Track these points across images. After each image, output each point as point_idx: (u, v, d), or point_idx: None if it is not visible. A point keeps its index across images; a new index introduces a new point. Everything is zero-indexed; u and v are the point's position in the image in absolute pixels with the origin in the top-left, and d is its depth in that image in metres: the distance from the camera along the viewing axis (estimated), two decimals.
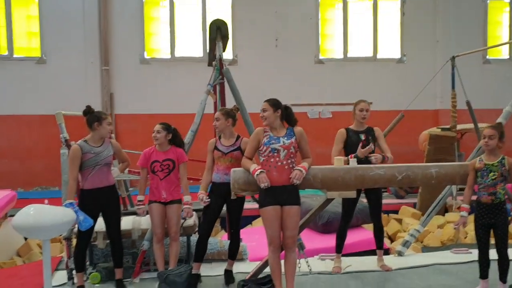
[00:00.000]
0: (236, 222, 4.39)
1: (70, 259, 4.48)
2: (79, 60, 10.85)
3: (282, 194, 3.71)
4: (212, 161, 4.32)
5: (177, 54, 11.27)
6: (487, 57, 11.89)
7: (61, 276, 4.64)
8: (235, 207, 4.31)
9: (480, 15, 11.93)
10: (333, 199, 4.08)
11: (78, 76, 10.84)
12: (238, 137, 4.35)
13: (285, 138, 3.79)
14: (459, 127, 8.77)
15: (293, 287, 3.81)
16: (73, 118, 5.49)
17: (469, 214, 8.42)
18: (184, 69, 11.15)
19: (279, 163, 3.72)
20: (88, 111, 4.32)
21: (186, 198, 4.40)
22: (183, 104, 10.84)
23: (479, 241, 3.95)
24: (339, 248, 4.74)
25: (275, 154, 3.73)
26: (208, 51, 6.53)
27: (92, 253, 4.80)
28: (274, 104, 3.85)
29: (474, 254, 5.10)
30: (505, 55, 12.14)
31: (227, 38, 5.34)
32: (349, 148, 4.54)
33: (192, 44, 11.33)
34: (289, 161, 3.76)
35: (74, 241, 4.42)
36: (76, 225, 3.96)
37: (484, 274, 3.98)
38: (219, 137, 4.37)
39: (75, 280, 4.36)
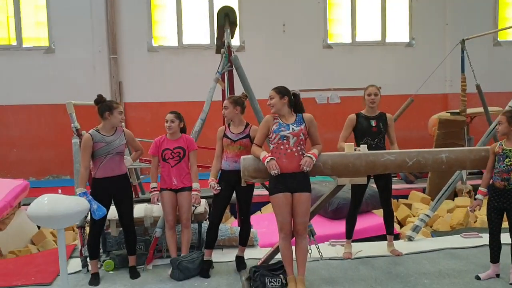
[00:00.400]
0: (246, 209, 4.42)
1: (84, 247, 4.55)
2: (87, 49, 10.87)
3: (292, 181, 3.73)
4: (222, 148, 4.34)
5: (185, 41, 11.24)
6: (498, 39, 11.72)
7: (76, 264, 4.71)
8: (245, 194, 4.34)
9: None
10: (344, 185, 4.09)
11: (87, 65, 10.88)
12: (247, 124, 4.36)
13: (295, 125, 3.80)
14: (468, 111, 8.71)
15: (304, 273, 3.85)
16: (83, 107, 5.54)
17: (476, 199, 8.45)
18: (192, 56, 11.14)
19: (289, 150, 3.74)
20: (100, 100, 4.35)
21: (195, 185, 4.43)
22: (191, 92, 10.87)
23: (490, 224, 3.95)
24: (349, 233, 4.77)
25: (285, 141, 3.74)
26: (216, 38, 6.53)
27: (105, 241, 4.88)
28: (281, 91, 3.85)
29: (485, 238, 5.10)
30: None
31: (236, 25, 5.33)
32: (358, 133, 4.54)
33: (200, 31, 11.29)
34: (299, 148, 3.76)
35: (88, 229, 4.48)
36: (89, 214, 4.02)
37: (495, 258, 3.99)
38: (228, 125, 4.38)
39: (90, 268, 4.43)
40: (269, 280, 3.89)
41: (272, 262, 4.22)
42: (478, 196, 4.00)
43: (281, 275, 3.93)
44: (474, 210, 4.04)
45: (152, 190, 4.42)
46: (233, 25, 5.28)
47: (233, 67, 5.21)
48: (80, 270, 4.57)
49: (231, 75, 5.28)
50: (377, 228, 6.29)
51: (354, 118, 4.60)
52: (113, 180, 4.23)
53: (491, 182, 3.95)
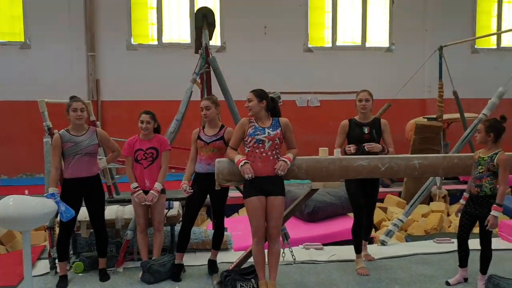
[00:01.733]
0: (219, 213, 4.38)
1: (53, 248, 4.45)
2: (64, 46, 10.68)
3: (267, 185, 3.70)
4: (196, 151, 4.29)
5: (165, 40, 11.14)
6: (476, 46, 11.91)
7: (44, 265, 4.61)
8: (219, 198, 4.29)
9: (469, 5, 11.92)
10: (317, 189, 4.08)
11: (63, 62, 10.68)
12: (222, 126, 4.32)
13: (270, 129, 3.77)
14: (445, 116, 8.82)
15: (276, 277, 3.82)
16: (60, 105, 5.42)
17: (451, 204, 8.50)
18: (172, 55, 11.03)
19: (264, 154, 3.71)
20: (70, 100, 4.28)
21: (157, 185, 4.32)
22: (171, 91, 10.74)
23: (461, 228, 3.99)
24: (357, 248, 4.52)
25: (260, 145, 3.72)
26: (195, 38, 6.47)
27: (75, 242, 4.77)
28: (259, 94, 3.81)
29: (456, 244, 5.19)
30: (493, 45, 12.16)
31: (214, 27, 5.27)
32: (351, 140, 4.38)
33: (180, 31, 11.21)
34: (274, 152, 3.74)
35: (58, 230, 4.38)
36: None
37: (463, 263, 4.04)
38: (203, 127, 4.33)
39: (58, 270, 4.33)
40: (240, 284, 3.86)
41: (244, 266, 4.18)
42: (462, 201, 4.06)
43: (252, 280, 3.90)
44: (459, 214, 4.08)
45: (135, 190, 4.31)
46: (211, 26, 5.22)
47: (211, 68, 5.15)
48: (48, 272, 4.47)
49: (208, 76, 5.23)
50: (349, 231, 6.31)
51: (346, 124, 4.46)
52: (82, 181, 4.14)
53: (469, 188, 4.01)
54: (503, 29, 11.91)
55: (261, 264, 3.81)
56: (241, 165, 3.67)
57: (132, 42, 11.02)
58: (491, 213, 3.74)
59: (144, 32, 11.20)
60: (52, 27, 10.56)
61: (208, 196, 4.31)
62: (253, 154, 3.74)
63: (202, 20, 5.13)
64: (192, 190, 4.13)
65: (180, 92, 11.09)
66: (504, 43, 12.15)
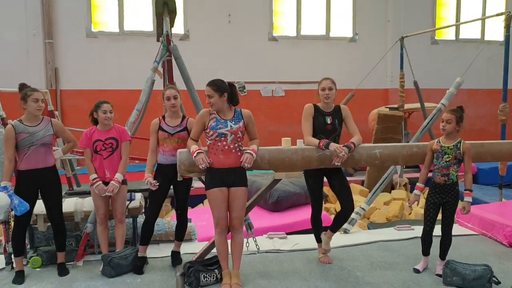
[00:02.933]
0: (183, 204, 4.32)
1: (9, 243, 4.29)
2: (20, 32, 10.23)
3: (229, 176, 3.69)
4: (156, 142, 4.19)
5: (126, 28, 10.85)
6: (435, 37, 12.17)
7: None
8: (182, 189, 4.24)
9: None
10: (280, 179, 4.07)
11: (19, 49, 10.23)
12: (184, 117, 4.25)
13: (233, 122, 3.73)
14: (406, 106, 9.00)
15: (239, 267, 3.81)
16: (12, 95, 5.19)
17: (411, 192, 8.73)
18: (134, 43, 10.78)
19: (226, 147, 3.69)
20: (21, 88, 4.10)
21: (118, 175, 4.21)
22: (133, 80, 10.50)
23: (427, 218, 4.02)
24: (318, 237, 4.47)
25: (222, 138, 3.68)
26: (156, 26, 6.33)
27: (33, 237, 4.63)
28: (219, 88, 3.69)
29: (416, 230, 5.34)
30: (452, 36, 12.47)
31: (175, 14, 5.16)
32: (315, 129, 4.11)
33: (142, 18, 10.94)
34: (236, 144, 3.72)
35: (13, 224, 4.22)
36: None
37: (426, 251, 4.10)
38: (163, 117, 4.24)
39: (14, 265, 4.18)
40: (204, 275, 3.83)
41: (208, 257, 4.14)
42: (416, 191, 4.04)
43: (215, 270, 3.88)
44: (411, 206, 4.10)
45: (94, 181, 4.18)
46: (172, 13, 5.11)
47: (172, 56, 5.05)
48: (3, 268, 4.30)
49: (170, 64, 5.14)
50: None
51: (311, 107, 4.17)
52: (38, 173, 4.00)
53: (432, 178, 4.01)
54: (461, 20, 12.21)
55: (224, 254, 3.80)
56: (195, 156, 3.64)
57: (92, 29, 10.68)
58: (465, 199, 3.89)
59: (105, 19, 10.87)
60: (6, 12, 10.09)
61: (171, 187, 4.24)
62: (215, 147, 3.70)
63: (163, 7, 5.02)
64: (158, 183, 4.05)
65: (142, 82, 10.87)
66: (462, 35, 12.45)
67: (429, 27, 11.75)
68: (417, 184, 4.09)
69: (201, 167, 3.64)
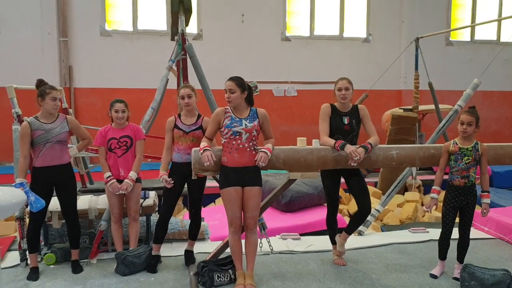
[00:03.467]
0: (197, 202, 4.30)
1: (23, 239, 4.30)
2: (35, 30, 10.33)
3: (243, 175, 3.65)
4: (171, 140, 4.19)
5: (140, 27, 10.89)
6: (450, 39, 12.05)
7: (14, 257, 4.46)
8: (196, 187, 4.21)
9: None
10: (295, 180, 4.04)
11: (34, 47, 10.34)
12: (199, 116, 4.23)
13: (248, 120, 3.69)
14: (420, 108, 8.90)
15: (253, 268, 3.78)
16: (29, 92, 5.22)
17: (425, 194, 8.61)
18: (147, 42, 10.82)
19: (241, 146, 3.64)
20: (38, 85, 4.12)
21: (132, 174, 4.21)
22: (146, 79, 10.58)
23: (445, 223, 3.94)
24: (332, 239, 4.42)
25: (237, 136, 3.64)
26: (170, 24, 6.33)
27: (47, 233, 4.65)
28: (241, 84, 3.69)
29: (431, 233, 5.28)
30: (467, 38, 12.33)
31: (191, 12, 5.14)
32: (332, 129, 4.05)
33: (156, 17, 10.97)
34: (251, 143, 3.68)
35: (27, 221, 4.24)
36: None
37: (444, 255, 4.03)
38: (179, 116, 4.23)
39: (29, 261, 4.20)
40: (218, 275, 3.81)
41: (221, 256, 4.12)
42: (434, 195, 3.93)
43: (229, 270, 3.86)
44: (430, 210, 3.96)
45: (108, 179, 4.18)
46: (187, 12, 5.09)
47: (187, 55, 5.04)
48: (18, 264, 4.32)
49: (185, 63, 5.12)
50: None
51: (328, 107, 4.12)
52: (53, 170, 4.01)
53: (449, 181, 3.93)
54: (476, 21, 12.06)
55: (238, 254, 3.77)
56: (201, 152, 3.59)
57: (106, 28, 10.74)
58: (483, 201, 3.85)
59: (119, 18, 10.92)
60: (22, 11, 10.20)
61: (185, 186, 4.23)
62: (229, 146, 3.66)
63: (179, 6, 5.00)
64: (173, 182, 4.03)
65: (155, 80, 10.92)
66: (477, 36, 12.31)
67: (444, 28, 11.63)
68: (434, 187, 3.98)
69: (205, 165, 3.59)
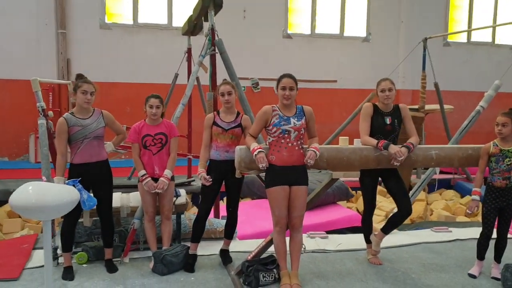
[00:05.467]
0: (235, 201, 4.23)
1: (54, 237, 4.16)
2: (31, 22, 10.07)
3: (291, 174, 3.62)
4: (210, 137, 4.11)
5: (140, 20, 10.70)
6: (447, 39, 12.23)
7: (41, 256, 4.29)
8: (235, 186, 4.15)
9: None
10: (338, 179, 4.02)
11: (31, 39, 10.08)
12: (238, 113, 4.17)
13: (296, 118, 3.67)
14: (425, 107, 9.01)
15: (298, 267, 3.76)
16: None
17: (429, 193, 8.73)
18: (148, 36, 10.67)
19: (290, 144, 3.61)
20: (76, 78, 4.00)
21: (167, 172, 4.13)
22: (146, 73, 10.45)
23: (486, 223, 3.96)
24: (367, 238, 4.43)
25: (286, 135, 3.61)
26: (190, 17, 6.23)
27: None
28: (296, 82, 3.69)
29: (454, 233, 5.35)
30: (464, 39, 12.54)
31: (221, 7, 5.06)
32: (373, 129, 4.06)
33: (157, 11, 10.80)
34: (299, 142, 3.66)
35: (63, 218, 4.10)
36: None
37: (483, 256, 4.06)
38: (218, 113, 4.16)
39: (60, 261, 4.07)
40: (263, 275, 3.76)
41: (263, 256, 4.07)
42: (474, 197, 3.95)
43: (274, 270, 3.82)
44: (473, 212, 3.99)
45: (143, 178, 4.08)
46: (217, 7, 5.01)
47: (217, 51, 4.96)
48: None
49: (214, 59, 5.03)
50: (346, 220, 6.38)
51: (371, 107, 4.12)
52: (92, 167, 3.89)
53: (490, 182, 3.96)
54: (473, 23, 12.29)
55: (283, 254, 3.73)
56: (256, 154, 3.57)
57: (106, 21, 10.53)
58: None
59: (119, 10, 10.71)
60: (18, 0, 9.88)
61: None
62: (278, 144, 3.62)
63: (210, 0, 4.90)
64: (211, 179, 3.96)
65: (155, 75, 10.86)
66: (473, 38, 12.54)
67: (442, 29, 11.82)
68: (474, 189, 3.98)
69: (260, 167, 3.57)
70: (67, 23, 10.24)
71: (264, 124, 3.70)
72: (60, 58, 10.25)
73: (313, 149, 3.66)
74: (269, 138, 3.69)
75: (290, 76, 3.70)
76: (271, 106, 3.73)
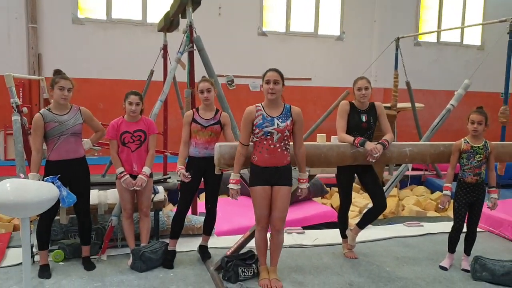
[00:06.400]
0: (213, 197, 4.26)
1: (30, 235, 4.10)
2: (0, 15, 9.78)
3: (273, 175, 3.56)
4: (189, 134, 4.12)
5: (114, 15, 10.56)
6: (418, 39, 12.52)
7: (16, 255, 4.25)
8: (214, 182, 4.17)
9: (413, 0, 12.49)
10: (315, 175, 4.09)
11: (0, 33, 9.78)
12: (217, 110, 4.19)
13: (280, 119, 3.53)
14: (398, 105, 9.22)
15: (277, 263, 3.81)
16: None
17: (401, 189, 8.93)
18: (122, 32, 10.53)
19: (272, 146, 3.52)
20: (54, 74, 3.95)
21: (146, 169, 4.12)
22: (120, 69, 10.33)
23: (457, 218, 4.10)
24: (343, 233, 4.55)
25: (268, 137, 3.51)
26: (165, 14, 6.20)
27: None
28: (283, 77, 3.56)
29: (425, 227, 5.52)
30: (434, 39, 12.86)
31: (199, 4, 5.06)
32: (350, 126, 4.16)
33: (131, 6, 10.67)
34: (282, 143, 3.54)
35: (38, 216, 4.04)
36: None
37: (454, 248, 4.21)
38: (197, 110, 4.17)
39: (36, 259, 4.02)
40: (242, 270, 3.81)
41: (242, 251, 4.12)
42: (446, 192, 4.08)
43: (253, 265, 3.87)
44: (444, 206, 4.11)
45: (121, 175, 4.06)
46: (196, 4, 5.00)
47: (195, 48, 4.97)
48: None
49: (192, 56, 5.03)
50: (322, 215, 6.47)
51: (348, 105, 4.21)
52: (69, 164, 3.85)
53: (461, 178, 4.10)
54: (442, 23, 12.62)
55: (263, 250, 3.77)
56: (230, 187, 3.59)
57: (79, 16, 10.34)
58: (492, 196, 4.05)
59: (92, 5, 10.53)
60: None
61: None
62: (260, 145, 3.54)
63: None
64: (190, 176, 3.98)
65: (129, 71, 10.75)
66: (442, 38, 12.87)
67: (413, 28, 12.11)
68: (446, 184, 4.13)
69: (231, 199, 3.65)
70: (38, 18, 10.00)
71: (252, 126, 3.57)
72: (31, 53, 10.02)
73: (303, 185, 3.69)
74: (253, 138, 3.61)
75: (275, 70, 3.59)
76: (255, 105, 3.63)
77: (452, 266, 4.26)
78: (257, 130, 3.54)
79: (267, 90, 3.57)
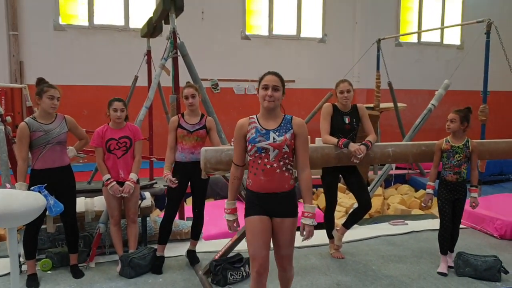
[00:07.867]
0: (200, 202, 4.30)
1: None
2: None
3: (272, 204, 2.82)
4: (175, 139, 4.15)
5: (96, 21, 10.51)
6: (399, 40, 12.69)
7: (3, 265, 4.23)
8: (201, 187, 4.22)
9: (394, 1, 12.65)
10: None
11: None
12: (202, 115, 4.23)
13: (277, 132, 2.82)
14: (381, 105, 9.34)
15: None
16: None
17: (386, 188, 9.04)
18: (104, 38, 10.48)
19: (268, 166, 2.79)
20: (38, 83, 3.96)
21: (133, 175, 4.14)
22: (103, 76, 10.29)
23: (443, 216, 4.15)
24: (329, 234, 4.57)
25: (263, 154, 2.80)
26: (150, 20, 6.22)
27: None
28: (283, 83, 2.88)
29: (410, 225, 5.62)
30: (414, 39, 13.05)
31: (182, 11, 5.09)
32: (333, 128, 4.21)
33: (113, 12, 10.63)
34: (281, 163, 2.80)
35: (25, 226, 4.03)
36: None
37: (446, 250, 4.19)
38: (182, 115, 4.21)
39: (23, 268, 4.01)
40: (231, 273, 3.85)
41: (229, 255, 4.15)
42: (429, 190, 4.17)
43: (241, 268, 3.91)
44: (427, 205, 4.20)
45: (108, 182, 4.08)
46: (178, 10, 5.04)
47: (179, 53, 5.00)
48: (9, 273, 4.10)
49: (176, 62, 5.06)
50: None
51: (331, 107, 4.25)
52: (54, 172, 3.86)
53: (442, 177, 4.18)
54: (423, 24, 12.82)
55: None
56: (226, 219, 2.97)
57: (60, 22, 10.27)
58: (471, 195, 4.12)
59: (74, 12, 10.48)
60: None
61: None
62: (255, 165, 2.82)
63: (171, 3, 4.93)
64: (177, 181, 4.00)
65: (112, 77, 10.70)
66: (423, 39, 13.07)
67: (394, 29, 12.28)
68: (429, 183, 4.23)
69: (230, 231, 3.05)
70: (19, 25, 9.91)
71: (245, 142, 2.88)
72: (12, 61, 9.92)
73: (309, 222, 2.81)
74: (247, 157, 2.93)
75: (275, 73, 2.88)
76: (248, 117, 2.93)
77: (435, 262, 4.34)
78: (249, 147, 2.84)
79: (263, 96, 2.82)
